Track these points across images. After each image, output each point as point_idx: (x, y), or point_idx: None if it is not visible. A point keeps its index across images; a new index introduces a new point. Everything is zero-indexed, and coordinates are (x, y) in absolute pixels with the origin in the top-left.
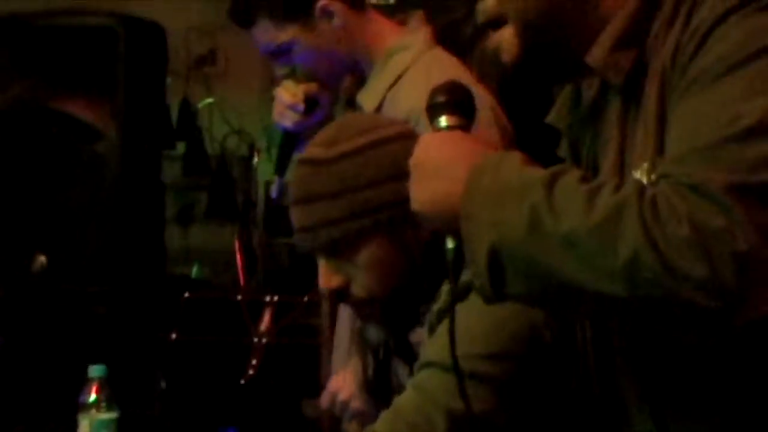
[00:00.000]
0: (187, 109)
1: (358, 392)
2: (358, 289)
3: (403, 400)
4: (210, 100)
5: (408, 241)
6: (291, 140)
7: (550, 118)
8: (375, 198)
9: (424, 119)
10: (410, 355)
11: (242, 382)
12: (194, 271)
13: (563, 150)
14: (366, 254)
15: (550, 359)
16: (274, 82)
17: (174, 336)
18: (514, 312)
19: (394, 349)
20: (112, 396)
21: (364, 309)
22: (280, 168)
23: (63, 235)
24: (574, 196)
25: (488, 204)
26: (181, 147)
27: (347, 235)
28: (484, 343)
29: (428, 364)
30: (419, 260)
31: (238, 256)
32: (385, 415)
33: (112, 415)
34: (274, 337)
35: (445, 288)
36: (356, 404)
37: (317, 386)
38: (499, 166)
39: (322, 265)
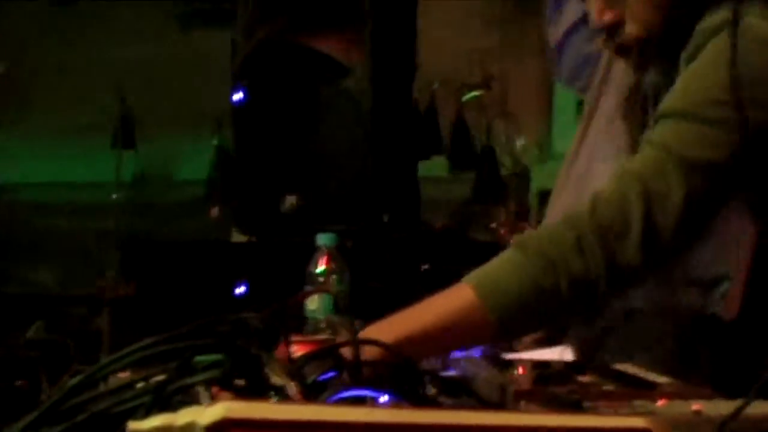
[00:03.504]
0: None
1: None
2: (632, 26)
3: (637, 157)
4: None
5: None
6: None
7: None
8: None
9: None
10: None
11: None
12: None
13: None
14: None
15: None
16: None
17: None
18: None
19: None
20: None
21: (639, 54)
22: None
23: (314, 174)
24: None
25: None
26: None
27: None
28: (725, 87)
29: (663, 116)
30: None
31: None
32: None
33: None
34: None
35: (701, 27)
36: None
37: None
38: None
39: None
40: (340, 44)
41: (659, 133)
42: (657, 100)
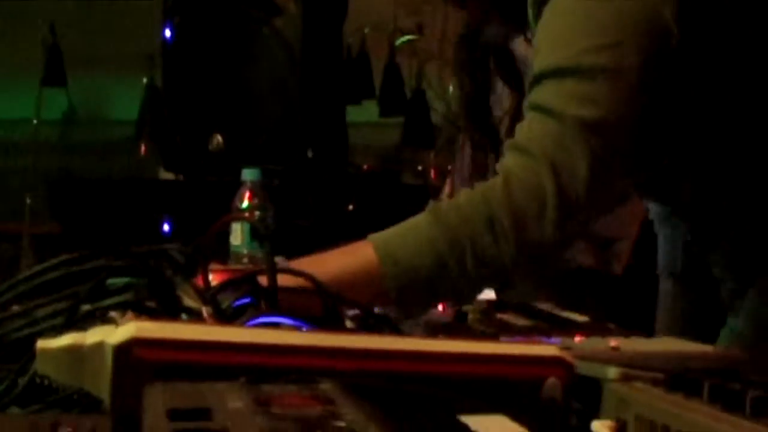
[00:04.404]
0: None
1: None
2: None
3: (533, 126)
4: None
5: None
6: None
7: None
8: None
9: None
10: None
11: None
12: None
13: None
14: None
15: (674, 61)
16: None
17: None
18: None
19: (497, 62)
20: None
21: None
22: None
23: (243, 114)
24: None
25: None
26: None
27: None
28: (602, 32)
29: (542, 76)
30: None
31: None
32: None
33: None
34: None
35: None
36: None
37: None
38: None
39: None
40: None
41: (544, 96)
42: (502, 51)
